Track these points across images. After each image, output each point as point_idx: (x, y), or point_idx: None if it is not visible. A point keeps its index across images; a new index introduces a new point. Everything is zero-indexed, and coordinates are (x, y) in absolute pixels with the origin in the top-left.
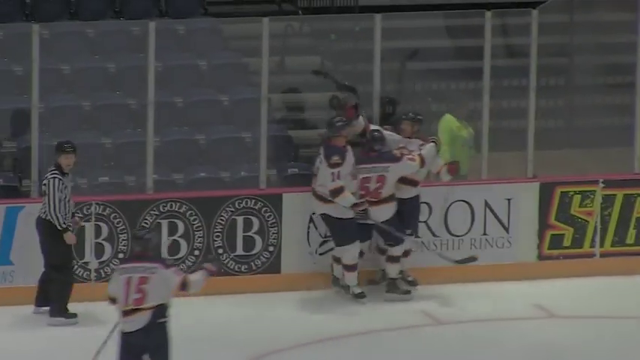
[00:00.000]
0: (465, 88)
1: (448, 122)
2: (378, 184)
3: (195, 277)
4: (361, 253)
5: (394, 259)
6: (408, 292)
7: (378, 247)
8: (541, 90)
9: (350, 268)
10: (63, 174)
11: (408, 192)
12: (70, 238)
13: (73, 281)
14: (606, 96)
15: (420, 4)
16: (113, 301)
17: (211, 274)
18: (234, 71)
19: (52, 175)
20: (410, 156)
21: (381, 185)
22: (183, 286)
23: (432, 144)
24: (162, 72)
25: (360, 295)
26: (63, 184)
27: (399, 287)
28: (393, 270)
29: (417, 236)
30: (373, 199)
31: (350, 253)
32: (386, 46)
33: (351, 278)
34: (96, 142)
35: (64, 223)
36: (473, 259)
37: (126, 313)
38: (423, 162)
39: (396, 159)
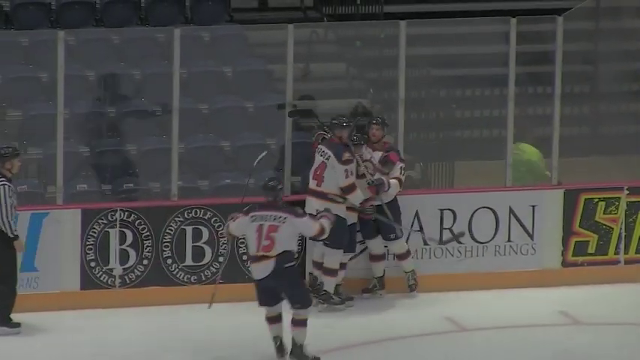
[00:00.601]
0: (490, 95)
1: (531, 154)
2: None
3: (326, 224)
4: (343, 265)
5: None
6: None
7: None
8: (566, 97)
9: (332, 272)
10: (9, 180)
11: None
12: (19, 246)
13: (15, 292)
14: (631, 103)
15: (444, 11)
16: (232, 237)
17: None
18: (259, 78)
19: (1, 183)
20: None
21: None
22: (322, 232)
23: (395, 182)
24: (187, 78)
25: (337, 302)
26: (11, 189)
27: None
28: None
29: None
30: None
31: (337, 257)
32: (411, 53)
33: (331, 283)
34: (121, 149)
35: (15, 230)
36: (461, 234)
37: (255, 260)
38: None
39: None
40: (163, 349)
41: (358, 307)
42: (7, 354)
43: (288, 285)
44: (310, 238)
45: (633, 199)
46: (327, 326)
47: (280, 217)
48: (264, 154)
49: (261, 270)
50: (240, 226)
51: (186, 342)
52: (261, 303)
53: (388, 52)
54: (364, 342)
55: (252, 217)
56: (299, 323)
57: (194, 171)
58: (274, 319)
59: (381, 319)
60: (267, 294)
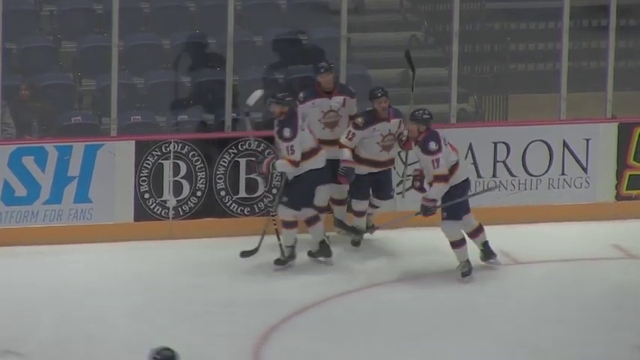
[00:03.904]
0: (545, 28)
1: None
2: None
3: None
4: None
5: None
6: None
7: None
8: (621, 30)
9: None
10: None
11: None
12: None
13: None
14: None
15: None
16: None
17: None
18: (313, 10)
19: None
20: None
21: None
22: None
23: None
24: (241, 10)
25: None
26: None
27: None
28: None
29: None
30: None
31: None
32: None
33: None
34: (175, 81)
35: None
36: (494, 186)
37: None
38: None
39: None
40: (216, 281)
41: (421, 240)
42: (66, 283)
43: None
44: None
45: None
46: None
47: None
48: (259, 93)
49: None
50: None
51: (237, 273)
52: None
53: None
54: (426, 274)
55: None
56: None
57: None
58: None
59: (433, 253)
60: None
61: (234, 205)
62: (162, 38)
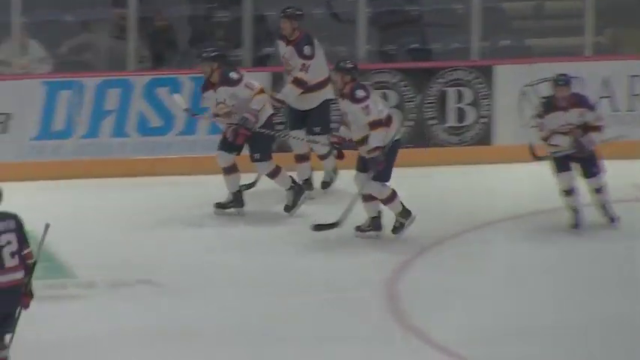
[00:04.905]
0: None
1: None
2: None
3: None
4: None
5: None
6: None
7: None
8: None
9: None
10: None
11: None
12: None
13: None
14: None
15: None
16: None
17: None
18: None
19: None
20: None
21: None
22: None
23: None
24: None
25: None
26: None
27: None
28: None
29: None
30: None
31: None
32: None
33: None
34: (309, 13)
35: None
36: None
37: None
38: None
39: None
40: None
41: (541, 173)
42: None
43: None
44: None
45: None
46: (512, 191)
47: None
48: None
49: None
50: None
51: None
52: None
53: None
54: (550, 209)
55: None
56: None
57: (380, 35)
58: None
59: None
60: None
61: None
62: None
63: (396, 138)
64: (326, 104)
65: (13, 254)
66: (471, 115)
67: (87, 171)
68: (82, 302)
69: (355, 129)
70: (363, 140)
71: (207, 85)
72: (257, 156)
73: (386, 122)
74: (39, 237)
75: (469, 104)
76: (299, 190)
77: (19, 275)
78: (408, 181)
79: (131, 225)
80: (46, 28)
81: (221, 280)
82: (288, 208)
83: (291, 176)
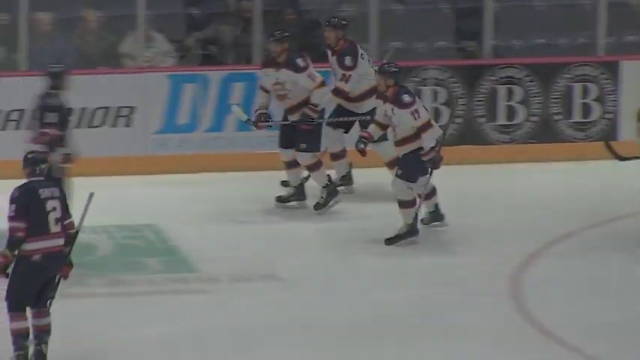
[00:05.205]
0: None
1: None
2: None
3: None
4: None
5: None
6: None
7: None
8: None
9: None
10: None
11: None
12: None
13: None
14: None
15: None
16: None
17: None
18: None
19: None
20: None
21: None
22: None
23: None
24: None
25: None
26: None
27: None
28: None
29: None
30: None
31: None
32: None
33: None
34: (434, 8)
35: None
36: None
37: None
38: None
39: None
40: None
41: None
42: None
43: None
44: None
45: None
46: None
47: None
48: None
49: None
50: None
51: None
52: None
53: None
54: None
55: None
56: None
57: (507, 30)
58: None
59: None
60: None
61: (493, 132)
62: None
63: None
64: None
65: (57, 221)
66: (596, 111)
67: (210, 165)
68: (204, 297)
69: (399, 131)
70: (404, 141)
71: (270, 62)
72: (303, 146)
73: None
74: (161, 229)
75: (594, 100)
76: (333, 191)
77: (61, 242)
78: (533, 175)
79: (253, 218)
80: (171, 21)
81: (344, 275)
82: (319, 206)
83: (328, 175)
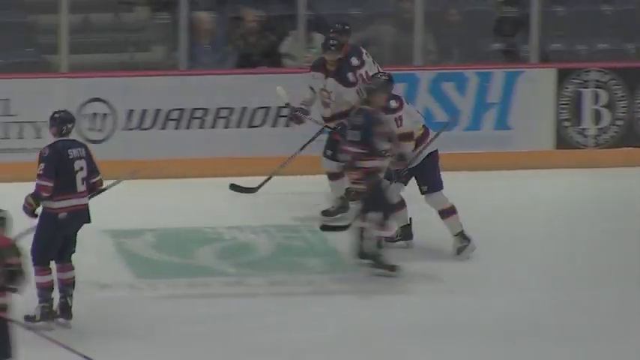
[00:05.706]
0: None
1: None
2: None
3: None
4: None
5: None
6: None
7: None
8: None
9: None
10: None
11: None
12: None
13: None
14: None
15: None
16: None
17: None
18: None
19: None
20: None
21: None
22: None
23: None
24: None
25: None
26: None
27: None
28: None
29: None
30: None
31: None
32: None
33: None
34: (596, 9)
35: None
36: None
37: None
38: None
39: None
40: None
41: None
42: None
43: None
44: None
45: None
46: None
47: None
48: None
49: None
50: None
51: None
52: None
53: None
54: None
55: None
56: None
57: None
58: None
59: None
60: None
61: None
62: None
63: (430, 151)
64: None
65: (83, 180)
66: None
67: None
68: (364, 297)
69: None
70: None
71: (321, 67)
72: (329, 152)
73: (421, 136)
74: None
75: None
76: (345, 205)
77: (86, 201)
78: (615, 181)
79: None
80: (331, 21)
81: (481, 276)
82: (327, 213)
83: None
